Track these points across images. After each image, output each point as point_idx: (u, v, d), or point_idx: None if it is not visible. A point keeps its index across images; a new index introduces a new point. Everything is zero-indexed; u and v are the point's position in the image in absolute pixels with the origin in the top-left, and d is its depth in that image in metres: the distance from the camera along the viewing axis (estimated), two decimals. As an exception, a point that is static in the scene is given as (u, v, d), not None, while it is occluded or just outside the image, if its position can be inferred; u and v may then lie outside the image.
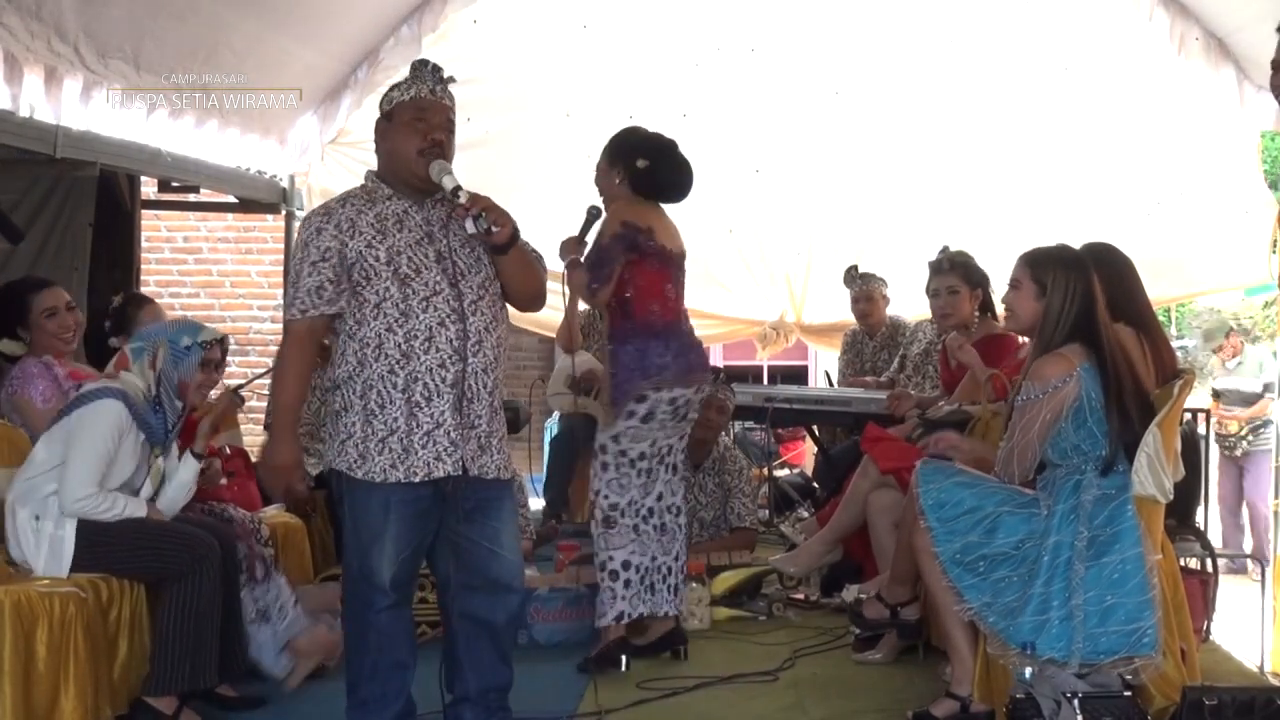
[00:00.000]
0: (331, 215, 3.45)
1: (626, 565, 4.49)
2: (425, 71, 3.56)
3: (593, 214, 4.52)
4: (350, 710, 3.54)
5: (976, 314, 5.31)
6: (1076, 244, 3.92)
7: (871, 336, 7.35)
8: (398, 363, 3.38)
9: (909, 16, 7.52)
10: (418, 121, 3.47)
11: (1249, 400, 9.55)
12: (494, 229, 3.39)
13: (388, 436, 3.40)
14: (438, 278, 3.41)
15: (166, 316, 5.00)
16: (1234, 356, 9.94)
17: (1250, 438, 9.49)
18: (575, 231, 4.50)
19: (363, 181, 3.60)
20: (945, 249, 5.43)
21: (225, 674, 4.11)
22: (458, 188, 3.41)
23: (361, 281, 3.39)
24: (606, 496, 4.50)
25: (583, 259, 4.43)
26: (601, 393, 4.64)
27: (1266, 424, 8.94)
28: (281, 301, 8.19)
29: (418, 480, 3.41)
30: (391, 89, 3.58)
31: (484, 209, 3.38)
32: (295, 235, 3.77)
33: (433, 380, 3.39)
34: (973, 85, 7.67)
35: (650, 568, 4.53)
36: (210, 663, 4.00)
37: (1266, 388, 9.25)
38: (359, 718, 3.53)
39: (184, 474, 4.20)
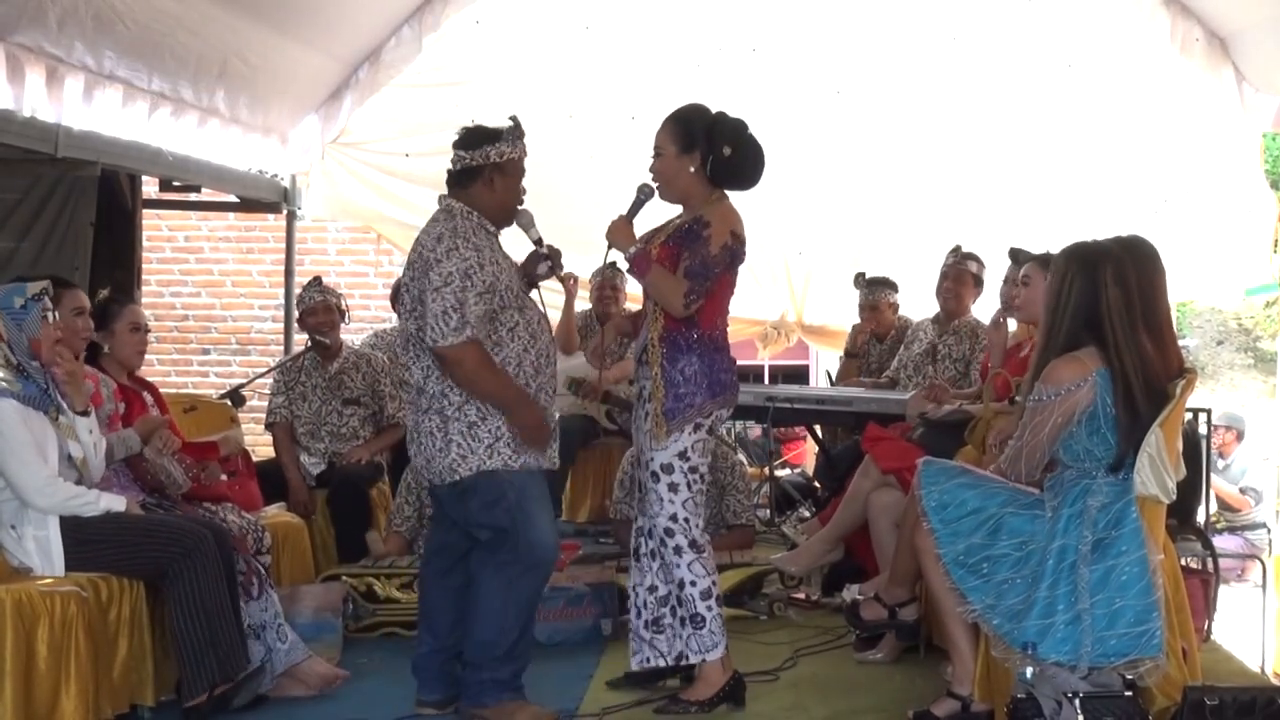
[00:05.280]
0: (480, 250, 3.89)
1: (711, 591, 4.08)
2: (521, 130, 4.03)
3: (644, 194, 4.09)
4: (511, 660, 3.98)
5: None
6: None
7: (880, 339, 7.33)
8: (532, 376, 3.99)
9: (911, 15, 7.52)
10: (521, 178, 4.05)
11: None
12: (558, 271, 4.20)
13: None
14: (533, 305, 4.08)
15: (143, 319, 4.96)
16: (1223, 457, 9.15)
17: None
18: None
19: (452, 212, 3.94)
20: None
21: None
22: (541, 239, 4.13)
23: (499, 309, 3.91)
24: (687, 519, 4.03)
25: (634, 255, 4.00)
26: (649, 407, 4.06)
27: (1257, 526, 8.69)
28: (282, 301, 8.20)
29: (549, 467, 4.09)
30: (501, 141, 3.97)
31: (556, 256, 4.13)
32: (443, 256, 3.85)
33: (549, 387, 4.08)
34: (976, 84, 7.67)
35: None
36: (234, 649, 4.01)
37: (1243, 491, 8.92)
38: (518, 669, 4.02)
39: (84, 435, 4.10)
